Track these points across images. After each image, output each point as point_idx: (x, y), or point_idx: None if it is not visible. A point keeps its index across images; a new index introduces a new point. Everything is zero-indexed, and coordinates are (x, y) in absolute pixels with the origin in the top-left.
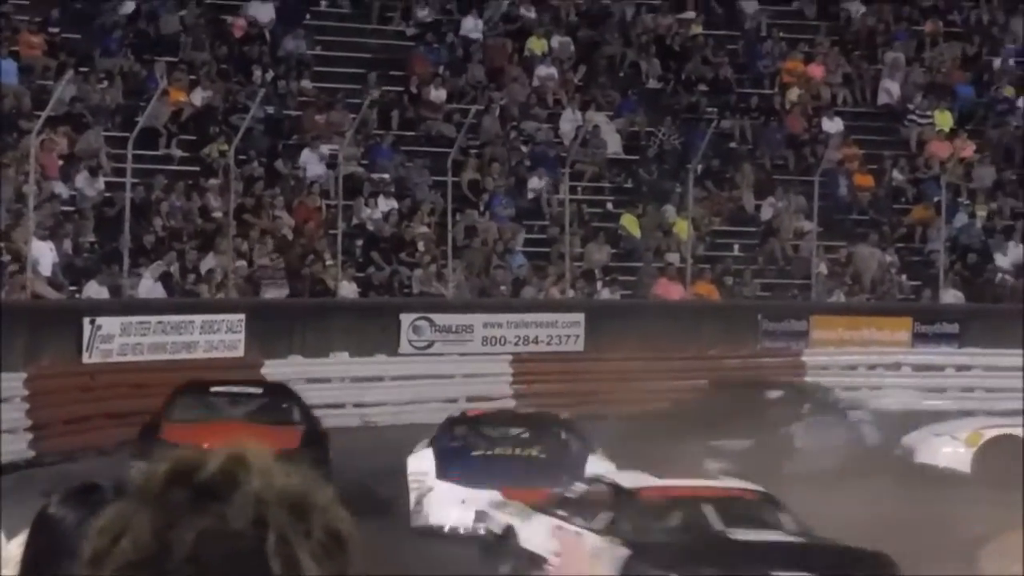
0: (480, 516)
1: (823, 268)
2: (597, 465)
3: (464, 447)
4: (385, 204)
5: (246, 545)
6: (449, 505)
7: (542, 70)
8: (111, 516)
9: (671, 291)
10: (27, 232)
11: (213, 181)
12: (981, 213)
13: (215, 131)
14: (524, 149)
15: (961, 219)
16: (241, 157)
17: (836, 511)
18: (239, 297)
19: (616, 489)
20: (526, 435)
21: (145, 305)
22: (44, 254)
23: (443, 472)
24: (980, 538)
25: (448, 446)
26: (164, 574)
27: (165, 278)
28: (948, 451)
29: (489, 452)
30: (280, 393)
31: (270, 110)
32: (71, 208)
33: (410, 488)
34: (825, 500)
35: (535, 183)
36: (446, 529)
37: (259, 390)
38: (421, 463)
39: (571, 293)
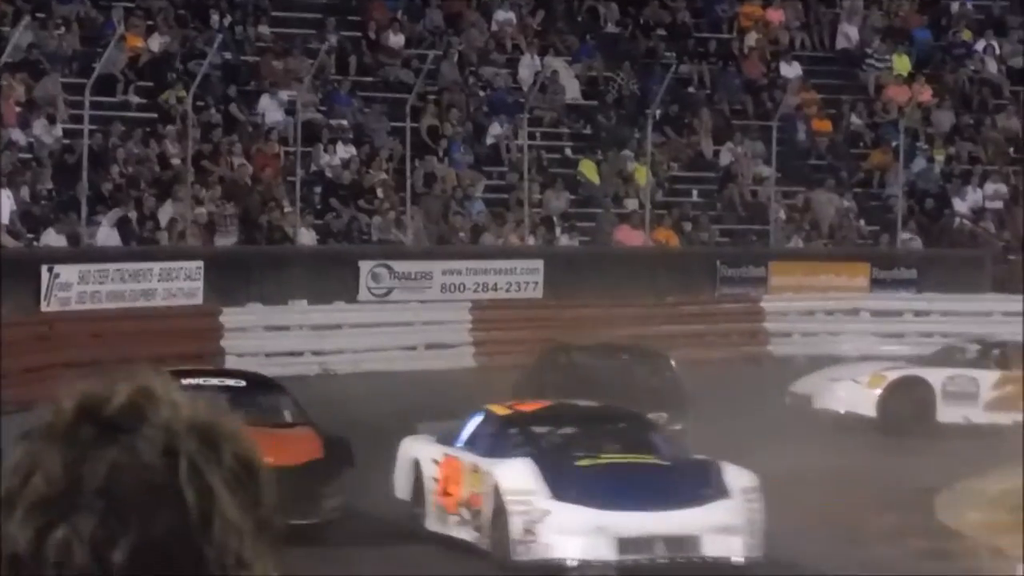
0: (630, 546)
1: (781, 214)
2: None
3: (559, 455)
4: (343, 151)
5: (158, 475)
6: (574, 533)
7: (500, 15)
8: (21, 455)
9: (631, 238)
10: None
11: (171, 128)
12: (939, 158)
13: (172, 77)
14: (483, 95)
15: (919, 164)
16: (199, 104)
17: (766, 471)
18: (197, 245)
19: None
20: (618, 436)
21: (103, 253)
22: (2, 202)
23: (559, 491)
24: (931, 488)
25: (547, 458)
26: (76, 508)
27: (123, 225)
28: (850, 395)
29: (595, 460)
30: (264, 385)
31: (228, 56)
32: (29, 156)
33: (511, 512)
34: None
35: (494, 129)
36: (572, 563)
37: (241, 382)
38: (514, 478)
39: (530, 240)
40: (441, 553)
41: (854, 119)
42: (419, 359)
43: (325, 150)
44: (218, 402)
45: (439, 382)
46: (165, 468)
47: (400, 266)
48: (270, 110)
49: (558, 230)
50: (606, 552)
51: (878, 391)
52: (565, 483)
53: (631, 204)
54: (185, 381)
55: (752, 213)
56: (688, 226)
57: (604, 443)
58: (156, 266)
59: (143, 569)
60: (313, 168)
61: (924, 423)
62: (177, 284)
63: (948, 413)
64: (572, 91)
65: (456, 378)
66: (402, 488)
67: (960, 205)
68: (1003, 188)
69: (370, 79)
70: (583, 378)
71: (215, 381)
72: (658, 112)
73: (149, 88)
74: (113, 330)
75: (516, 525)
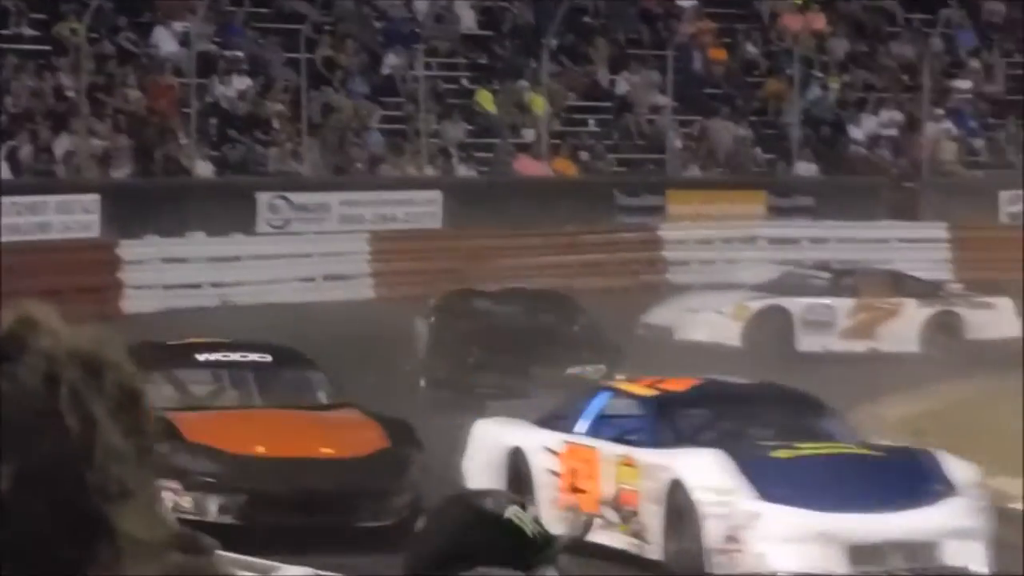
0: (863, 555)
1: (678, 142)
2: None
3: (749, 445)
4: (239, 82)
5: (39, 402)
6: (792, 541)
7: None
8: None
9: (530, 168)
10: None
11: (64, 60)
12: (834, 86)
13: (66, 9)
14: (378, 26)
15: (814, 92)
16: (93, 35)
17: None
18: (93, 177)
19: None
20: (792, 420)
21: None
22: None
23: (765, 489)
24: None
25: (738, 449)
26: None
27: (15, 158)
28: (714, 326)
29: (795, 451)
30: (293, 360)
31: None
32: None
33: (705, 516)
34: None
35: (390, 60)
36: None
37: (267, 356)
38: (705, 474)
39: (428, 170)
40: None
41: (749, 48)
42: (318, 290)
43: (220, 81)
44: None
45: (339, 313)
46: (47, 395)
47: (298, 197)
48: (164, 41)
49: (455, 160)
50: (836, 563)
51: (742, 322)
52: (770, 479)
53: (528, 134)
54: (202, 357)
55: (649, 142)
56: (585, 155)
57: (786, 430)
58: (52, 199)
59: (27, 495)
60: (208, 99)
61: (785, 352)
62: (74, 217)
63: (807, 342)
64: (468, 21)
65: (356, 310)
66: (487, 481)
67: (855, 132)
68: (898, 115)
69: (265, 10)
70: (494, 327)
71: (236, 356)
72: (554, 42)
73: (43, 20)
74: (9, 263)
75: (715, 531)
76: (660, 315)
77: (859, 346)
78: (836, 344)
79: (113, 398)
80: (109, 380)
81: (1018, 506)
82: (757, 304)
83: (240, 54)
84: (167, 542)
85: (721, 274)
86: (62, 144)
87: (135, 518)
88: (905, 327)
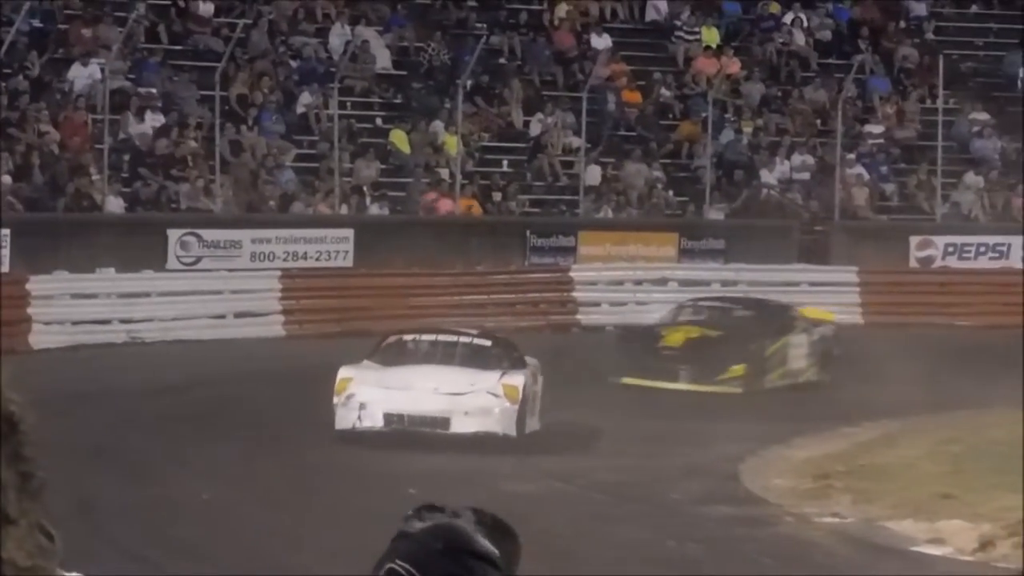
0: None
1: (591, 183)
2: None
3: None
4: (152, 119)
5: None
6: None
7: None
8: None
9: (437, 206)
10: None
11: None
12: (747, 129)
13: None
14: (293, 64)
15: (727, 135)
16: (6, 71)
17: None
18: (4, 211)
19: None
20: None
21: None
22: None
23: None
24: (735, 456)
25: None
26: None
27: None
28: None
29: None
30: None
31: (36, 23)
32: None
33: None
34: None
35: (304, 98)
36: None
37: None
38: None
39: (341, 209)
40: None
41: (663, 91)
42: (228, 327)
43: (134, 118)
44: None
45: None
46: None
47: (209, 234)
48: (79, 78)
49: (368, 199)
50: None
51: None
52: None
53: (442, 174)
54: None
55: (561, 183)
56: (498, 196)
57: None
58: None
59: None
60: (121, 136)
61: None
62: None
63: None
64: (383, 60)
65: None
66: None
67: (768, 176)
68: (810, 160)
69: (180, 47)
70: None
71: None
72: (469, 82)
73: None
74: None
75: None
76: None
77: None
78: None
79: None
80: None
81: (925, 550)
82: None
83: (154, 91)
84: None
85: (632, 315)
86: None
87: (15, 545)
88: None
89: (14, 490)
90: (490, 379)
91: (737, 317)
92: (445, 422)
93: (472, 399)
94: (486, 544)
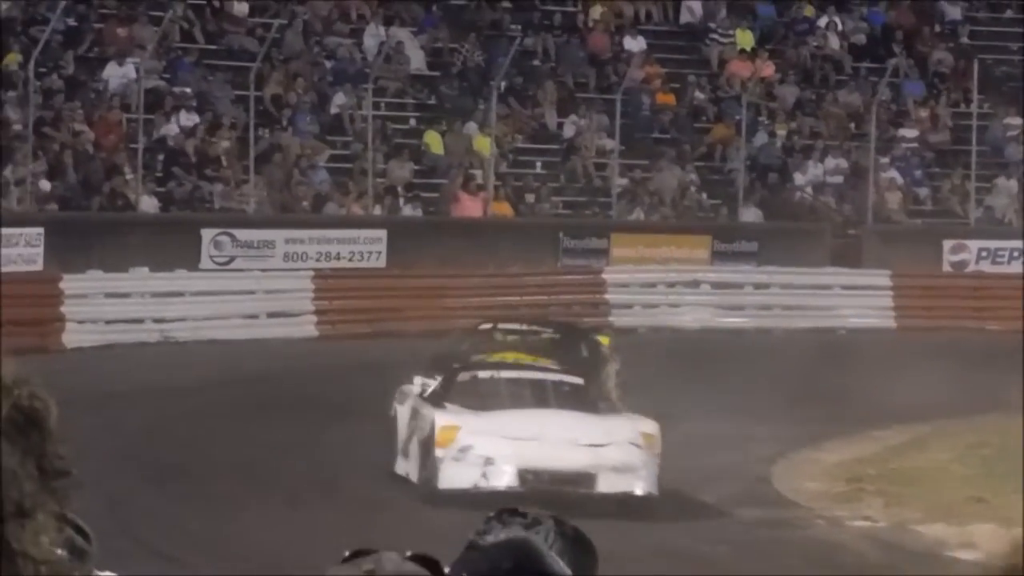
0: None
1: (624, 185)
2: None
3: None
4: (187, 118)
5: None
6: None
7: None
8: None
9: (471, 208)
10: None
11: (12, 93)
12: (781, 132)
13: (14, 43)
14: (327, 64)
15: (761, 138)
16: (41, 69)
17: None
18: (38, 210)
19: None
20: None
21: None
22: None
23: None
24: (767, 458)
25: None
26: None
27: None
28: None
29: None
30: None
31: (71, 22)
32: None
33: None
34: None
35: (338, 99)
36: None
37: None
38: None
39: (374, 210)
40: None
41: (697, 93)
42: (261, 327)
43: (168, 118)
44: None
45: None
46: None
47: (242, 234)
48: (114, 77)
49: (401, 200)
50: None
51: None
52: None
53: (476, 175)
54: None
55: (595, 185)
56: (531, 197)
57: None
58: None
59: None
60: (156, 135)
61: None
62: (17, 250)
63: None
64: (417, 61)
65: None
66: None
67: (801, 179)
68: (843, 163)
69: (214, 47)
70: None
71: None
72: (502, 84)
73: None
74: None
75: None
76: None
77: None
78: None
79: (10, 420)
80: (5, 403)
81: (957, 554)
82: None
83: (188, 90)
84: (61, 563)
85: (665, 318)
86: (7, 177)
87: (31, 539)
88: None
89: (33, 483)
90: (625, 427)
91: (558, 343)
92: (590, 480)
93: (616, 452)
94: (558, 563)
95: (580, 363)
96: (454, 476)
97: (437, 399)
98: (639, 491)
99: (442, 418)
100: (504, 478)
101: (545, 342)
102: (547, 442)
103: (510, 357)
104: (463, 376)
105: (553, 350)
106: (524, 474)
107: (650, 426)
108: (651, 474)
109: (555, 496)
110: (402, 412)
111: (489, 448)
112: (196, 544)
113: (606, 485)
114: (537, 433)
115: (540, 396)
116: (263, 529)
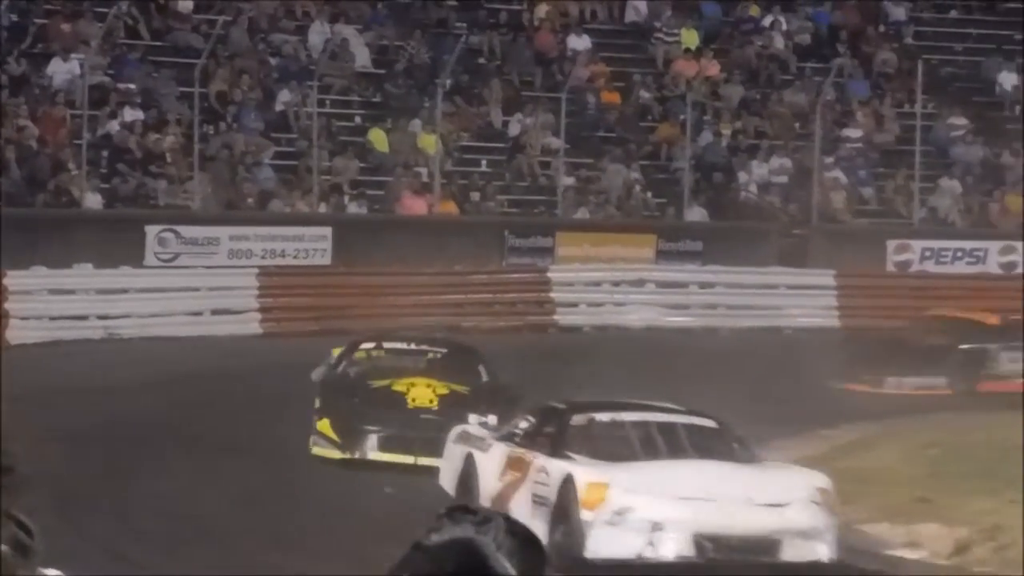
0: None
1: (570, 184)
2: None
3: None
4: (132, 115)
5: None
6: None
7: None
8: None
9: (416, 206)
10: None
11: None
12: (726, 132)
13: None
14: (273, 62)
15: (706, 138)
16: None
17: None
18: None
19: None
20: None
21: None
22: None
23: None
24: None
25: None
26: None
27: None
28: None
29: None
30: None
31: (15, 18)
32: None
33: None
34: None
35: (284, 96)
36: None
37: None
38: None
39: (319, 207)
40: None
41: (643, 92)
42: (205, 324)
43: (113, 114)
44: None
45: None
46: None
47: (187, 231)
48: (58, 73)
49: (347, 198)
50: None
51: None
52: None
53: (421, 173)
54: None
55: (540, 184)
56: (476, 196)
57: None
58: None
59: None
60: (100, 132)
61: None
62: None
63: None
64: (362, 59)
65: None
66: None
67: (746, 179)
68: (788, 163)
69: (159, 44)
70: None
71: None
72: (448, 82)
73: None
74: None
75: None
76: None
77: None
78: None
79: None
80: None
81: (901, 553)
82: None
83: (133, 87)
84: (5, 559)
85: (610, 316)
86: None
87: None
88: None
89: None
90: (800, 483)
91: (448, 363)
92: (775, 547)
93: (800, 513)
94: (501, 563)
95: (483, 388)
96: (610, 544)
97: (554, 447)
98: (825, 558)
99: (585, 473)
100: (675, 546)
101: (436, 363)
102: (722, 502)
103: (403, 384)
104: (577, 419)
105: (447, 372)
106: (701, 541)
107: (823, 480)
108: (835, 538)
109: (736, 568)
110: (481, 459)
111: (655, 510)
112: (144, 541)
113: (792, 552)
114: (708, 491)
115: (673, 443)
116: (215, 526)
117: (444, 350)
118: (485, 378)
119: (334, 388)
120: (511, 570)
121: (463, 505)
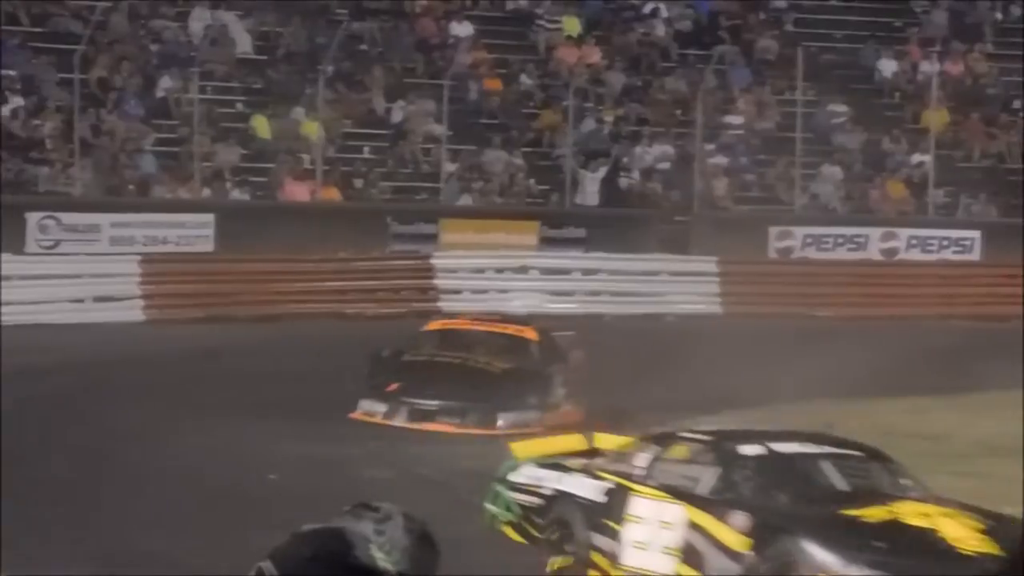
0: None
1: (453, 171)
2: None
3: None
4: (12, 101)
5: None
6: None
7: None
8: None
9: (298, 192)
10: None
11: None
12: (608, 119)
13: None
14: (153, 48)
15: (589, 124)
16: None
17: None
18: None
19: None
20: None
21: None
22: None
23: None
24: None
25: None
26: None
27: None
28: None
29: None
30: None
31: None
32: None
33: None
34: None
35: (165, 82)
36: None
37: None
38: None
39: (202, 194)
40: None
41: (525, 79)
42: (88, 312)
43: None
44: None
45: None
46: None
47: (68, 218)
48: None
49: (229, 184)
50: None
51: None
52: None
53: (304, 160)
54: None
55: (423, 170)
56: (360, 182)
57: None
58: None
59: None
60: None
61: None
62: None
63: None
64: (244, 45)
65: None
66: None
67: (629, 166)
68: (670, 150)
69: (39, 30)
70: None
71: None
72: (330, 68)
73: None
74: None
75: None
76: None
77: None
78: None
79: None
80: None
81: None
82: None
83: (13, 73)
84: None
85: (493, 303)
86: None
87: None
88: None
89: None
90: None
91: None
92: None
93: None
94: (368, 556)
95: None
96: None
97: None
98: None
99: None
100: None
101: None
102: None
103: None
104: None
105: None
106: None
107: None
108: None
109: None
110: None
111: None
112: (35, 532)
113: None
114: None
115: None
116: (101, 517)
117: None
118: None
119: None
120: (381, 562)
121: (366, 503)
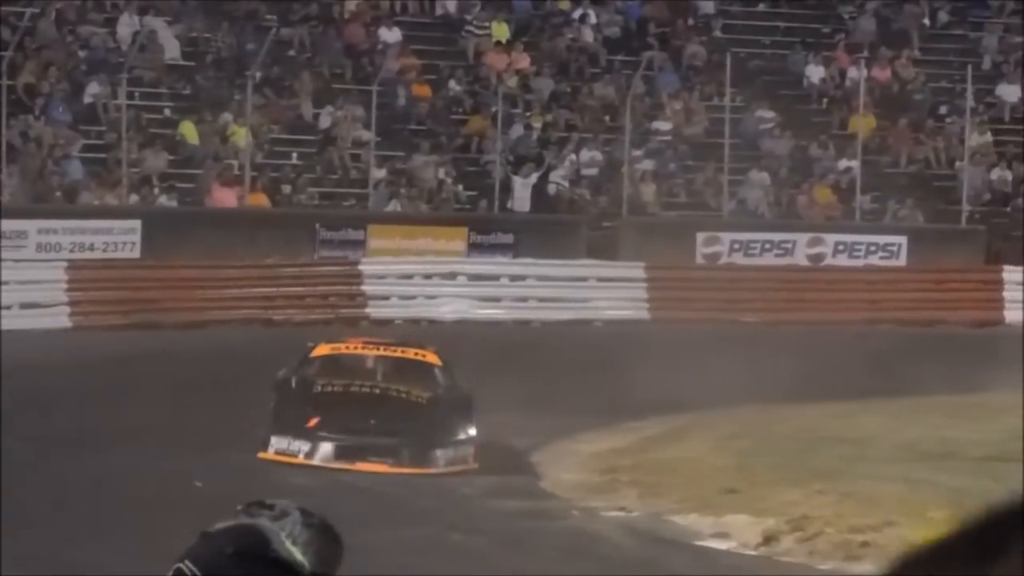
0: None
1: (382, 177)
2: None
3: None
4: None
5: None
6: None
7: None
8: None
9: (226, 198)
10: None
11: None
12: (537, 124)
13: None
14: (81, 54)
15: (517, 130)
16: None
17: None
18: None
19: None
20: None
21: None
22: None
23: None
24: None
25: None
26: None
27: None
28: None
29: None
30: None
31: None
32: None
33: None
34: None
35: (92, 88)
36: None
37: None
38: None
39: (129, 200)
40: None
41: (453, 85)
42: (14, 318)
43: None
44: None
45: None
46: None
47: None
48: None
49: (156, 191)
50: None
51: None
52: None
53: (232, 166)
54: None
55: (352, 176)
56: (287, 188)
57: None
58: None
59: None
60: None
61: None
62: None
63: None
64: (172, 51)
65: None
66: None
67: (558, 172)
68: (598, 155)
69: None
70: None
71: None
72: (258, 74)
73: None
74: None
75: None
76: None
77: None
78: None
79: None
80: None
81: (710, 544)
82: None
83: None
84: None
85: (421, 309)
86: None
87: None
88: None
89: None
90: None
91: None
92: None
93: None
94: (286, 550)
95: None
96: None
97: None
98: None
99: None
100: None
101: None
102: None
103: None
104: None
105: None
106: None
107: None
108: None
109: None
110: None
111: None
112: None
113: None
114: None
115: None
116: (25, 525)
117: None
118: None
119: None
120: (297, 555)
121: (260, 500)
